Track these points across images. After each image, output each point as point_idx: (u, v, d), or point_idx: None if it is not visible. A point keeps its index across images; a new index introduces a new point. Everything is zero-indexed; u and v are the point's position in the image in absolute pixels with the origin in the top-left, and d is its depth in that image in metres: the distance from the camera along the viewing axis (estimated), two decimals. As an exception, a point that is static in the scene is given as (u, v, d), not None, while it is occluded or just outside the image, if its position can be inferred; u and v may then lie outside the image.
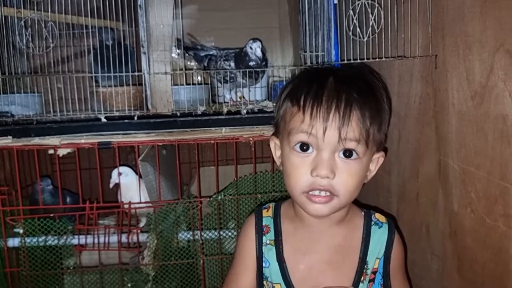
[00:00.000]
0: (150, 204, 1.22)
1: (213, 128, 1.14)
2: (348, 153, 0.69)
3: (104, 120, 1.11)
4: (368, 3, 0.85)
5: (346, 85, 0.71)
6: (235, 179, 1.21)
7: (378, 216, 0.80)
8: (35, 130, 1.10)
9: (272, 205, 0.84)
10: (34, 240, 1.17)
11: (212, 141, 1.15)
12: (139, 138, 1.13)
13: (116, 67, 1.15)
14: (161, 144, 1.16)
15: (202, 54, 1.33)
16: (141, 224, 1.28)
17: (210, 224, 1.23)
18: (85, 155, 1.31)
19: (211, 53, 1.31)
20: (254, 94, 1.30)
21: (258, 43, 1.17)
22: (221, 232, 1.23)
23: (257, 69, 1.18)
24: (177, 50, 1.33)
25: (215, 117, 1.14)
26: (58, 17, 1.17)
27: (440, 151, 0.77)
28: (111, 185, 1.27)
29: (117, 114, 1.12)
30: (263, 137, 1.14)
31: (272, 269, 0.78)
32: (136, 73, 1.17)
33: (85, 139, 1.11)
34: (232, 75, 1.22)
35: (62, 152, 1.12)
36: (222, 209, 1.22)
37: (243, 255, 0.81)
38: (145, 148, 1.26)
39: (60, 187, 1.25)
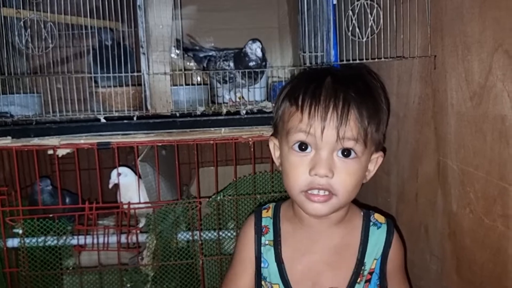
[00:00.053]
0: (149, 205, 1.22)
1: (212, 129, 1.14)
2: (346, 153, 0.69)
3: (103, 120, 1.11)
4: (367, 3, 0.85)
5: (344, 84, 0.71)
6: (235, 179, 1.21)
7: (377, 216, 0.80)
8: (35, 130, 1.10)
9: (272, 205, 0.84)
10: (34, 240, 1.17)
11: (212, 142, 1.15)
12: (138, 139, 1.13)
13: (115, 68, 1.15)
14: (160, 144, 1.16)
15: (201, 55, 1.33)
16: (141, 225, 1.28)
17: (210, 224, 1.23)
18: (84, 156, 1.31)
19: (210, 54, 1.31)
20: (253, 94, 1.30)
21: (258, 43, 1.17)
22: (221, 233, 1.23)
23: (256, 70, 1.18)
24: (177, 51, 1.33)
25: (214, 117, 1.14)
26: (58, 17, 1.17)
27: (439, 152, 0.77)
28: (110, 186, 1.27)
29: (116, 114, 1.12)
30: (263, 138, 1.14)
31: (270, 270, 0.78)
32: (135, 74, 1.17)
33: (85, 140, 1.11)
34: (231, 76, 1.22)
35: (61, 152, 1.12)
36: (221, 209, 1.22)
37: (242, 255, 0.81)
38: (145, 149, 1.26)
39: (60, 188, 1.25)
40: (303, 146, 0.70)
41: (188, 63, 1.54)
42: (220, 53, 1.28)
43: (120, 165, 1.25)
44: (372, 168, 0.76)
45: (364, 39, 0.86)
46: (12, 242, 1.18)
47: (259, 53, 1.18)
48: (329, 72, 0.75)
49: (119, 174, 1.25)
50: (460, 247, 0.73)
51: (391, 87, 0.94)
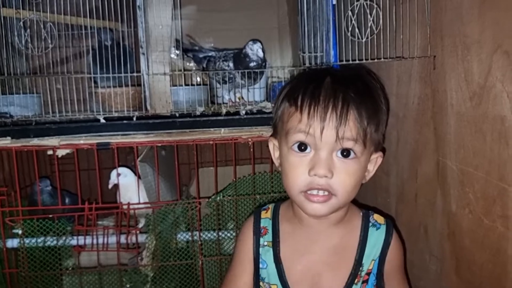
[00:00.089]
0: (149, 205, 1.22)
1: (212, 129, 1.14)
2: (345, 153, 0.69)
3: (103, 121, 1.11)
4: (366, 4, 0.85)
5: (343, 85, 0.71)
6: (234, 180, 1.21)
7: (376, 217, 0.80)
8: (34, 130, 1.10)
9: (271, 206, 0.84)
10: (33, 241, 1.17)
11: (211, 142, 1.15)
12: (138, 139, 1.12)
13: (115, 68, 1.15)
14: (160, 144, 1.16)
15: (201, 55, 1.33)
16: (140, 225, 1.28)
17: (209, 225, 1.23)
18: (84, 156, 1.31)
19: (209, 54, 1.31)
20: (253, 94, 1.30)
21: (259, 44, 1.17)
22: (220, 233, 1.23)
23: (256, 70, 1.18)
24: (176, 51, 1.33)
25: (214, 117, 1.14)
26: (57, 17, 1.17)
27: (439, 152, 0.77)
28: (110, 186, 1.27)
29: (116, 115, 1.12)
30: (262, 138, 1.14)
31: (269, 270, 0.78)
32: (135, 74, 1.17)
33: (84, 140, 1.11)
34: (231, 76, 1.22)
35: (61, 152, 1.12)
36: (221, 210, 1.22)
37: (241, 256, 0.81)
38: (144, 149, 1.26)
39: (59, 188, 1.25)
40: (302, 147, 0.70)
41: (187, 64, 1.54)
42: (219, 53, 1.28)
43: (119, 166, 1.25)
44: (372, 168, 0.76)
45: (364, 40, 0.86)
46: (12, 243, 1.18)
47: (261, 54, 1.18)
48: (329, 72, 0.75)
49: (118, 175, 1.25)
50: (459, 248, 0.73)
51: (391, 87, 0.94)
